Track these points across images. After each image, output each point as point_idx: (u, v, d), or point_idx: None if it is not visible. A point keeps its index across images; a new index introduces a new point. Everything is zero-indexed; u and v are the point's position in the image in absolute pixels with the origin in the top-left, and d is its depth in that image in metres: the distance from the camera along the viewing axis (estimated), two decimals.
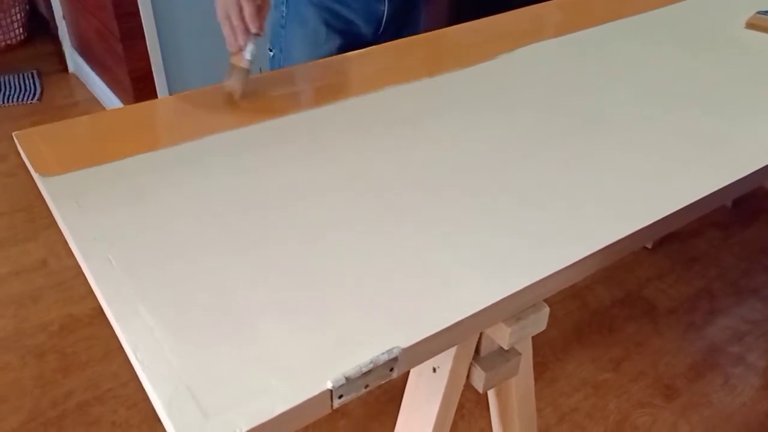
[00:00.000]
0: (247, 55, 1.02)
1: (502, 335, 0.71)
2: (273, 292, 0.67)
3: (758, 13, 1.32)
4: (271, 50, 1.44)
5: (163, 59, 2.38)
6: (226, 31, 1.03)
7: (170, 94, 2.44)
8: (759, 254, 2.06)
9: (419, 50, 1.24)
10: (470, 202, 0.80)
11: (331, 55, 1.32)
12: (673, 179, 0.86)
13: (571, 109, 1.02)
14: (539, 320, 0.73)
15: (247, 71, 1.03)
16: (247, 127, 0.95)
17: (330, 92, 1.08)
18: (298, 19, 1.37)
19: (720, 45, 1.24)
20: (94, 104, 2.92)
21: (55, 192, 0.81)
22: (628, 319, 1.84)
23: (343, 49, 1.34)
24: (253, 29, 1.01)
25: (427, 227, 0.76)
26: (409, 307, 0.65)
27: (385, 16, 1.38)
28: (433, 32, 1.30)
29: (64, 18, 3.06)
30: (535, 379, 1.65)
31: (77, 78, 3.16)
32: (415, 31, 1.43)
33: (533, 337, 0.81)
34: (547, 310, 0.73)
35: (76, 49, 3.12)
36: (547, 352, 1.73)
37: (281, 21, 1.39)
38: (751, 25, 1.30)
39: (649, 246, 2.08)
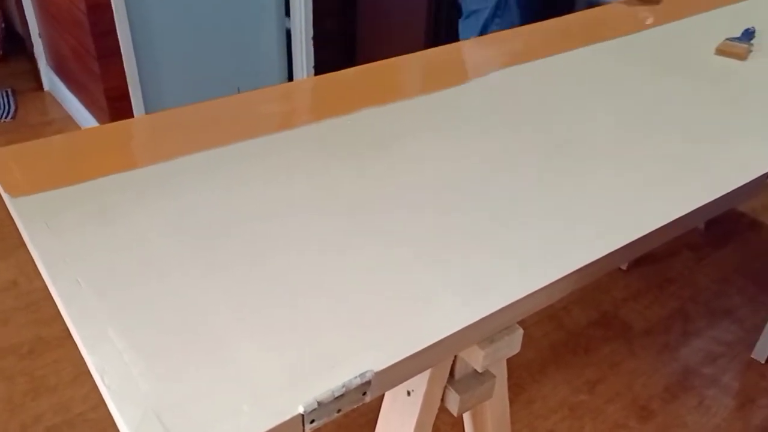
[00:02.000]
0: None
1: (475, 358, 0.71)
2: (245, 313, 0.66)
3: (727, 39, 1.35)
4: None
5: (140, 78, 2.37)
6: None
7: (147, 113, 2.42)
8: (732, 275, 2.09)
9: (393, 73, 1.25)
10: (445, 223, 0.80)
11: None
12: (647, 201, 0.87)
13: (547, 131, 1.03)
14: (513, 342, 0.73)
15: None
16: (220, 148, 0.95)
17: (304, 114, 1.08)
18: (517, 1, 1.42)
19: (692, 70, 1.27)
20: (69, 123, 2.89)
21: (25, 212, 0.79)
22: (604, 340, 1.84)
23: None
24: None
25: (402, 248, 0.76)
26: (383, 329, 0.65)
27: None
28: (406, 56, 1.31)
29: (40, 36, 3.04)
30: (512, 401, 1.65)
31: (52, 96, 3.13)
32: None
33: (509, 359, 0.81)
34: (520, 332, 0.73)
35: (51, 68, 3.10)
36: (524, 373, 1.72)
37: (496, 12, 1.48)
38: (720, 52, 1.33)
39: (625, 267, 2.09)
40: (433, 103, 1.11)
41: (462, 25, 1.90)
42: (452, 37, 1.52)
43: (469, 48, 1.35)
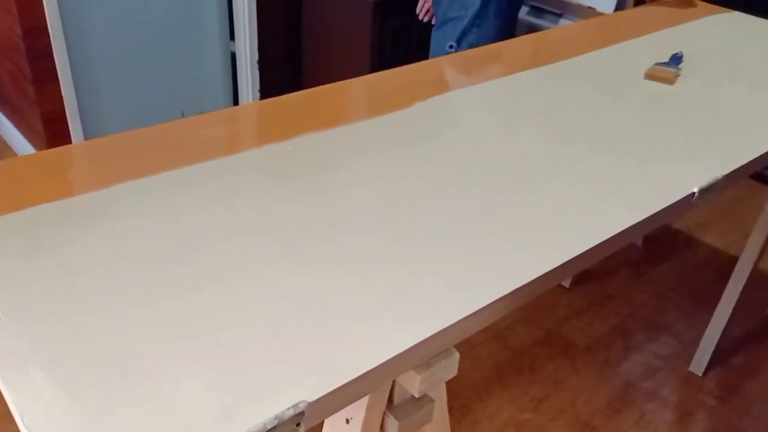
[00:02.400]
0: None
1: (412, 383, 0.71)
2: (177, 343, 0.64)
3: (656, 64, 1.41)
4: (452, 47, 1.51)
5: (79, 102, 2.32)
6: None
7: (86, 138, 2.37)
8: (669, 292, 2.16)
9: (337, 97, 1.25)
10: (383, 247, 0.80)
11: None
12: (582, 220, 0.89)
13: (485, 154, 1.05)
14: (450, 366, 0.73)
15: None
16: (160, 175, 0.93)
17: (246, 139, 1.08)
18: (495, 12, 1.40)
19: (623, 94, 1.31)
20: (4, 149, 2.80)
21: None
22: (548, 358, 1.87)
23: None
24: None
25: (339, 273, 0.75)
26: (318, 357, 0.64)
27: None
28: (351, 80, 1.32)
29: None
30: (458, 422, 1.65)
31: None
32: None
33: (456, 380, 0.81)
34: (457, 355, 0.74)
35: None
36: (470, 394, 1.73)
37: (474, 21, 1.48)
38: (649, 76, 1.38)
39: (567, 285, 2.14)
40: (376, 127, 1.12)
41: (436, 34, 1.91)
42: (398, 60, 1.54)
43: (412, 71, 1.36)
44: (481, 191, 0.95)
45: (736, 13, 1.81)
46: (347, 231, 0.83)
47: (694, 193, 0.98)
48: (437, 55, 1.88)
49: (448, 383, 0.82)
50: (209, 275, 0.74)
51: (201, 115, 1.33)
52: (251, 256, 0.78)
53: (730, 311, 1.74)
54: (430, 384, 0.72)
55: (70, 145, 1.08)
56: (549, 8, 3.30)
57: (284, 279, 0.74)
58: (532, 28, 3.27)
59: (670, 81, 1.36)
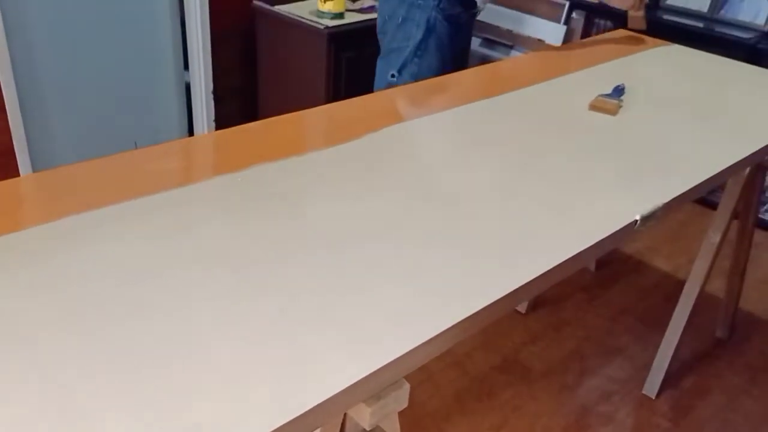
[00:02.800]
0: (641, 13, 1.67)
1: (362, 416, 0.71)
2: (115, 381, 0.63)
3: (600, 96, 1.46)
4: (393, 76, 1.48)
5: (27, 134, 2.27)
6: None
7: (35, 171, 2.32)
8: (621, 315, 2.20)
9: (289, 128, 1.26)
10: (331, 280, 0.80)
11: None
12: (532, 246, 0.91)
13: (433, 184, 1.06)
14: (401, 397, 0.73)
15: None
16: (108, 207, 0.92)
17: (197, 171, 1.07)
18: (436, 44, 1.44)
19: (569, 124, 1.35)
20: None
21: None
22: (506, 385, 1.88)
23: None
24: None
25: (286, 307, 0.75)
26: (264, 392, 0.64)
27: None
28: (304, 111, 1.33)
29: None
30: None
31: None
32: None
33: (416, 409, 0.81)
34: (407, 386, 0.74)
35: None
36: (429, 422, 1.73)
37: (416, 52, 1.51)
38: (593, 107, 1.43)
39: (523, 311, 2.16)
40: (329, 158, 1.12)
41: (380, 63, 1.95)
42: (352, 91, 1.56)
43: (365, 103, 1.38)
44: (431, 222, 0.96)
45: (676, 46, 1.88)
46: (297, 263, 0.83)
47: (636, 220, 1.01)
48: (381, 83, 1.92)
49: (408, 412, 0.82)
50: (151, 310, 0.73)
51: (153, 146, 1.32)
52: (195, 291, 0.77)
53: (679, 335, 1.78)
54: (381, 416, 0.72)
55: (18, 178, 1.05)
56: (501, 40, 3.39)
57: (228, 314, 0.73)
58: (485, 59, 3.36)
59: (612, 112, 1.41)
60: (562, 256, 0.91)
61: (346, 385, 0.66)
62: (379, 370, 0.69)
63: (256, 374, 0.66)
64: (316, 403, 0.64)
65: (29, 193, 1.00)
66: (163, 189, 0.98)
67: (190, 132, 2.81)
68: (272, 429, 0.60)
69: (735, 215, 1.72)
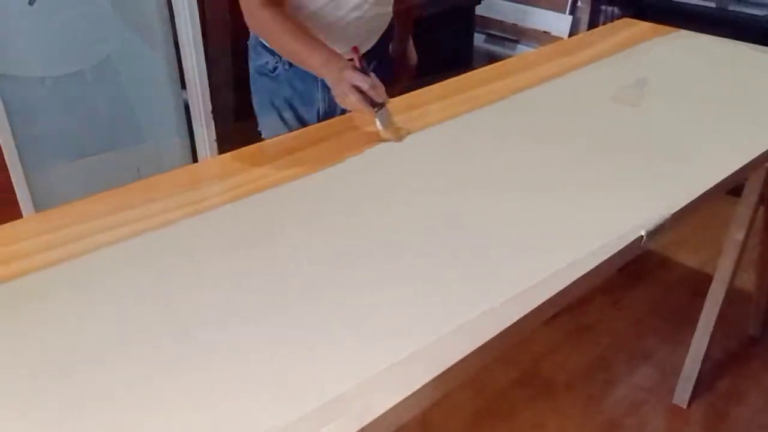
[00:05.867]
0: (379, 126, 1.18)
1: None
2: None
3: (622, 87, 1.36)
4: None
5: (25, 171, 2.23)
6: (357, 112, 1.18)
7: (35, 208, 2.28)
8: (647, 316, 2.09)
9: (264, 156, 1.19)
10: (290, 318, 0.74)
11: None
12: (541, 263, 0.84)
13: (420, 206, 0.99)
14: None
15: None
16: (72, 261, 0.87)
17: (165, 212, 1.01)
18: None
19: (591, 116, 1.26)
20: None
21: None
22: (527, 400, 1.79)
23: None
24: (379, 100, 1.15)
25: (239, 365, 0.68)
26: None
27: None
28: (284, 135, 1.26)
29: None
30: None
31: None
32: None
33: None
34: None
35: None
36: None
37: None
38: (616, 99, 1.34)
39: None
40: (305, 187, 1.06)
41: None
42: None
43: (345, 122, 1.31)
44: (413, 246, 0.89)
45: (688, 32, 1.78)
46: (243, 320, 0.77)
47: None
48: None
49: None
50: (109, 345, 0.67)
51: (109, 191, 1.19)
52: (141, 350, 0.71)
53: (708, 337, 1.67)
54: None
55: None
56: (505, 35, 3.28)
57: (179, 365, 0.67)
58: (491, 56, 3.26)
59: (635, 104, 1.33)
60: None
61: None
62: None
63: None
64: None
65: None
66: (131, 236, 0.92)
67: (193, 152, 2.76)
68: None
69: (759, 206, 1.61)
